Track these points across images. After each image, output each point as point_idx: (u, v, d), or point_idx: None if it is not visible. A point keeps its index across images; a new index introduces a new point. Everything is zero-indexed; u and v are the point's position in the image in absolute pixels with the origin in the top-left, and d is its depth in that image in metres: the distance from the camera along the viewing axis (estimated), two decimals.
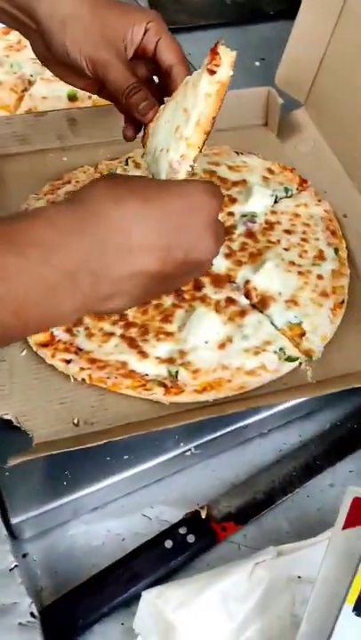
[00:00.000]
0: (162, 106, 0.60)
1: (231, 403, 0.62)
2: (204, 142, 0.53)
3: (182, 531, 0.60)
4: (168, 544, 0.59)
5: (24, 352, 0.66)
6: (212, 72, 0.51)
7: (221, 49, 0.51)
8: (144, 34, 0.60)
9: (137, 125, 0.63)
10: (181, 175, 0.55)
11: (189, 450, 0.63)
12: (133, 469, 0.61)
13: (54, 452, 0.56)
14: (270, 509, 0.63)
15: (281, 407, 0.65)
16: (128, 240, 0.43)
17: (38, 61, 0.95)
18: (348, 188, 0.84)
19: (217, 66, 0.50)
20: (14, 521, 0.57)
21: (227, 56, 0.51)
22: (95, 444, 0.56)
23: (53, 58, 0.62)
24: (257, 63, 1.16)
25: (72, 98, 0.92)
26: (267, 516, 0.63)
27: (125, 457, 0.61)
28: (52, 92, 0.93)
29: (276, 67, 1.12)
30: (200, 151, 0.54)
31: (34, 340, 0.65)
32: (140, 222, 0.44)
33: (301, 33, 0.87)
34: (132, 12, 0.61)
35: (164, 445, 0.62)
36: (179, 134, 0.53)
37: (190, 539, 0.59)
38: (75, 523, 0.62)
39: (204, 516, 0.60)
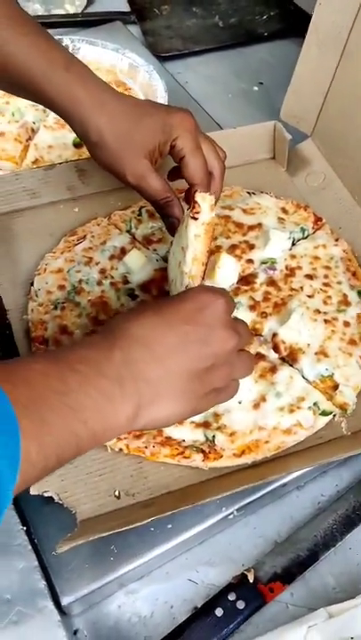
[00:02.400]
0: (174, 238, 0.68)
1: (270, 465, 0.62)
2: (204, 271, 0.60)
3: (231, 597, 0.60)
4: (219, 612, 0.59)
5: None
6: (195, 218, 0.57)
7: (199, 197, 0.57)
8: (171, 149, 0.65)
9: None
10: None
11: (232, 513, 0.63)
12: (178, 538, 0.61)
13: (103, 535, 0.56)
14: (314, 565, 0.63)
15: None
16: (151, 346, 0.49)
17: (39, 107, 0.96)
18: None
19: (198, 213, 0.57)
20: (65, 602, 0.57)
21: (205, 201, 0.57)
22: (142, 522, 0.55)
23: None
24: (255, 88, 1.15)
25: (78, 145, 0.91)
26: (311, 572, 0.63)
27: (169, 526, 0.61)
28: (56, 139, 0.92)
29: (275, 91, 1.12)
30: (203, 278, 0.60)
31: None
32: (157, 329, 0.50)
33: (306, 67, 0.86)
34: (158, 130, 0.64)
35: (206, 511, 0.62)
36: (181, 269, 0.60)
37: (240, 604, 0.60)
38: (122, 593, 0.62)
39: (251, 580, 0.61)
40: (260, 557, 0.64)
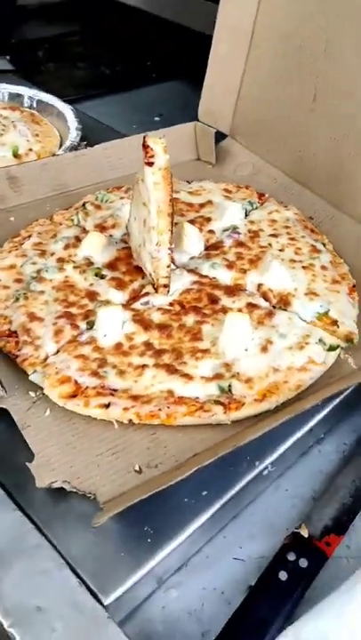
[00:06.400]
0: (129, 206, 0.67)
1: (293, 405, 0.57)
2: (171, 223, 0.59)
3: (291, 557, 0.52)
4: (283, 576, 0.51)
5: (48, 412, 0.56)
6: (150, 164, 0.57)
7: (150, 141, 0.58)
8: None
9: None
10: (164, 261, 0.61)
11: (266, 468, 0.56)
12: (214, 505, 0.53)
13: (137, 500, 0.47)
14: None
15: (333, 404, 0.61)
16: None
17: None
18: (301, 194, 0.85)
19: (152, 157, 0.57)
20: (107, 601, 0.46)
21: (157, 145, 0.58)
22: (187, 474, 0.47)
23: None
24: (157, 118, 1.19)
25: (16, 155, 0.86)
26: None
27: (204, 493, 0.53)
28: None
29: (177, 120, 1.15)
30: (171, 232, 0.59)
31: (58, 393, 0.56)
32: None
33: (217, 64, 0.90)
34: None
35: (238, 469, 0.55)
36: (147, 226, 0.59)
37: (303, 563, 0.52)
38: (161, 591, 0.52)
39: (306, 535, 0.53)
40: (302, 517, 0.57)
